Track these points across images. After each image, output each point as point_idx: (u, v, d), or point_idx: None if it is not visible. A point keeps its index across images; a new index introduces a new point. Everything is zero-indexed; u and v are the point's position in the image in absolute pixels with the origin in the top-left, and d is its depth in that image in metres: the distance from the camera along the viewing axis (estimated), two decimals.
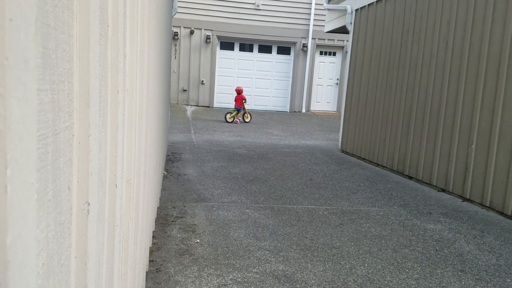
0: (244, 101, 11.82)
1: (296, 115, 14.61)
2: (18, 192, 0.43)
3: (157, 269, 2.76)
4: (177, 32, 14.03)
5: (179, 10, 12.96)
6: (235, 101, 11.98)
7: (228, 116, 11.76)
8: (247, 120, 11.98)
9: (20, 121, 0.42)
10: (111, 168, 1.01)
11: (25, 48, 0.43)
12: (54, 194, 0.57)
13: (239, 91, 11.96)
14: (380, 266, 3.01)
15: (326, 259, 3.07)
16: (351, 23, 8.05)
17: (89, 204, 0.74)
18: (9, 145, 0.40)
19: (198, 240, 3.28)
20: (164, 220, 3.70)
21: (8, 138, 0.39)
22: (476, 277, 2.92)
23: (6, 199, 0.40)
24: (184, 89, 14.52)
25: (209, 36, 14.26)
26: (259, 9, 14.48)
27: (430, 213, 4.38)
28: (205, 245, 3.19)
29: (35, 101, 0.47)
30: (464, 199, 4.95)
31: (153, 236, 3.27)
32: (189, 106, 14.40)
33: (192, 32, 14.21)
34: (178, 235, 3.35)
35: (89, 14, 0.69)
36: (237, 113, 11.81)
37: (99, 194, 0.87)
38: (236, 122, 11.72)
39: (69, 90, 0.62)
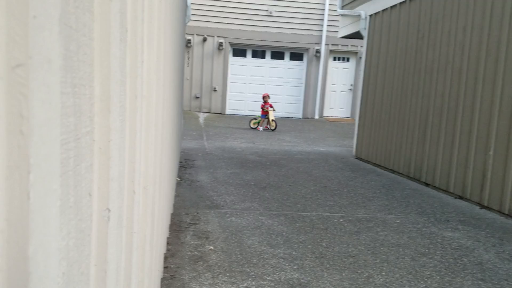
0: (269, 108, 11.66)
1: (309, 121, 14.55)
2: (41, 199, 0.41)
3: (171, 275, 2.74)
4: (190, 40, 14.12)
5: (192, 17, 13.04)
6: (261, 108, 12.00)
7: (252, 122, 11.86)
8: (272, 128, 11.70)
9: (43, 124, 0.40)
10: (129, 175, 1.00)
11: (49, 48, 0.41)
12: (76, 200, 0.56)
13: (263, 98, 11.95)
14: (398, 275, 2.95)
15: (343, 268, 3.01)
16: (365, 29, 8.00)
17: (109, 210, 0.73)
18: (32, 149, 0.38)
19: (211, 247, 3.25)
20: (177, 226, 3.69)
21: (32, 142, 0.38)
22: (497, 286, 2.84)
23: (29, 205, 0.38)
24: (197, 96, 14.58)
25: (222, 43, 14.32)
26: (272, 16, 14.50)
27: (448, 220, 4.29)
28: (219, 252, 3.16)
29: (58, 104, 0.46)
30: (482, 206, 4.85)
31: (167, 243, 3.26)
32: (202, 113, 14.45)
33: (205, 40, 14.29)
34: (192, 242, 3.33)
35: (110, 17, 0.67)
36: (262, 121, 11.80)
37: (118, 200, 0.85)
38: (258, 129, 11.69)
39: (90, 94, 0.61)
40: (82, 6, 0.56)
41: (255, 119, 12.03)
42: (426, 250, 3.43)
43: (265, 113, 11.76)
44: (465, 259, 3.29)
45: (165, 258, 2.99)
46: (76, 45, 0.53)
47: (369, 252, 3.33)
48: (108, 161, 0.70)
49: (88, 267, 0.64)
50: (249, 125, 11.97)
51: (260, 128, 11.77)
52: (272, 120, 11.66)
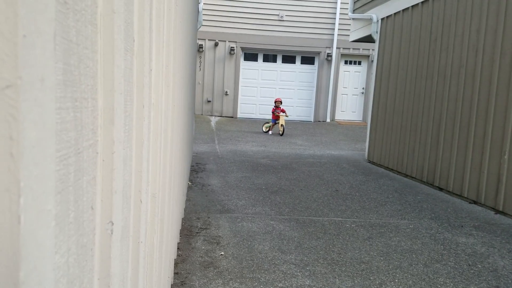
0: (280, 113, 11.57)
1: (320, 124, 14.49)
2: (33, 222, 0.40)
3: (182, 282, 2.74)
4: (202, 45, 14.21)
5: (204, 23, 13.12)
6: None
7: (264, 126, 11.90)
8: (280, 133, 11.57)
9: (35, 145, 0.40)
10: (136, 184, 0.99)
11: (42, 66, 0.40)
12: (76, 215, 0.55)
13: (275, 103, 11.92)
14: (411, 282, 2.90)
15: (355, 274, 2.97)
16: (377, 32, 7.95)
17: (112, 223, 0.72)
18: (23, 172, 0.37)
19: (222, 253, 3.24)
20: (188, 231, 3.68)
21: (22, 164, 0.37)
22: None
23: (19, 230, 0.37)
24: (208, 100, 14.64)
25: (233, 47, 14.38)
26: (283, 20, 14.51)
27: (462, 226, 4.21)
28: (230, 258, 3.15)
29: (53, 121, 0.45)
30: (497, 211, 4.75)
31: (178, 248, 3.26)
32: (213, 117, 14.50)
33: (216, 44, 14.36)
34: (203, 247, 3.33)
35: (113, 28, 0.67)
36: (272, 125, 11.77)
37: (124, 211, 0.85)
38: (268, 133, 11.67)
39: (93, 107, 0.60)
40: (83, 19, 0.55)
41: (267, 122, 12.04)
42: (440, 256, 3.37)
43: (275, 118, 11.73)
44: (479, 266, 3.22)
45: (176, 264, 2.98)
46: (77, 58, 0.53)
47: (381, 258, 3.28)
48: (111, 173, 0.70)
49: (91, 281, 0.63)
50: (262, 129, 11.98)
51: (270, 132, 11.76)
52: (281, 125, 11.56)
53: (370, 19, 8.06)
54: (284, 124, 11.61)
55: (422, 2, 6.46)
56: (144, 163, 1.08)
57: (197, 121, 12.69)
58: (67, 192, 0.51)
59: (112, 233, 0.72)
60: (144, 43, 1.02)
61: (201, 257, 3.14)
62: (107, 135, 0.68)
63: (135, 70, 0.95)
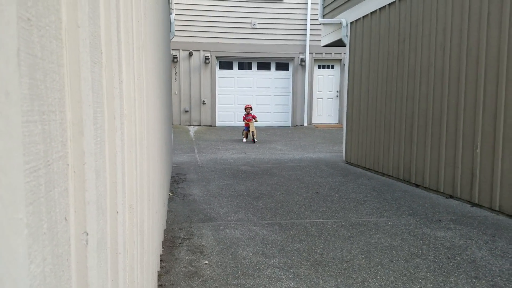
0: (250, 119, 11.43)
1: (298, 129, 14.61)
2: (5, 228, 0.41)
3: None
4: (176, 55, 14.19)
5: (177, 33, 13.11)
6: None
7: (243, 133, 11.79)
8: (251, 139, 11.53)
9: (3, 156, 0.41)
10: (112, 195, 1.00)
11: (6, 80, 0.42)
12: (50, 226, 0.56)
13: (245, 109, 11.86)
14: (392, 277, 2.95)
15: (338, 274, 3.01)
16: (347, 36, 8.10)
17: (87, 234, 0.73)
18: None
19: (206, 261, 3.24)
20: (171, 242, 3.66)
21: None
22: (491, 283, 2.86)
23: None
24: (186, 110, 14.60)
25: (208, 56, 14.41)
26: (256, 28, 14.65)
27: (440, 220, 4.32)
28: (214, 266, 3.15)
29: (20, 134, 0.46)
30: (473, 204, 4.89)
31: (161, 260, 3.24)
32: (192, 126, 14.45)
33: (191, 54, 14.36)
34: (186, 257, 3.31)
35: (79, 42, 0.69)
36: (245, 133, 11.66)
37: (100, 222, 0.85)
38: (243, 141, 11.57)
39: (61, 119, 0.62)
40: (48, 35, 0.57)
41: (244, 130, 12.00)
42: (419, 251, 3.44)
43: (247, 125, 11.57)
44: (458, 258, 3.31)
45: (159, 276, 2.96)
46: (42, 73, 0.54)
47: (363, 256, 3.34)
48: (83, 184, 0.71)
49: None
50: (242, 137, 11.88)
51: (244, 140, 11.61)
52: (252, 132, 11.30)
53: (340, 24, 8.22)
54: (254, 131, 11.37)
55: (389, 4, 6.63)
56: (119, 174, 1.09)
57: (176, 131, 12.62)
58: (39, 203, 0.52)
59: (87, 244, 0.73)
60: (112, 55, 1.03)
61: (185, 267, 3.13)
62: (77, 146, 0.69)
63: (105, 81, 0.96)
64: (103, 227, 0.89)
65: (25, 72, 0.48)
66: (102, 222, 0.88)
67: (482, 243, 3.64)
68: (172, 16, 9.18)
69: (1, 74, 0.40)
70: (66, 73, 0.65)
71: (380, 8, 6.90)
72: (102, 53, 0.94)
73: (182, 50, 14.31)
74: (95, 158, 0.80)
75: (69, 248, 0.65)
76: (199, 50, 14.44)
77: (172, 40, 10.01)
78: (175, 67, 14.31)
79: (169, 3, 7.77)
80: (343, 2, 8.23)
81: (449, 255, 3.36)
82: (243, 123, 14.11)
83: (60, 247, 0.61)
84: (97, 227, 0.82)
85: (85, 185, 0.72)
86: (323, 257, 3.31)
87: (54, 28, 0.60)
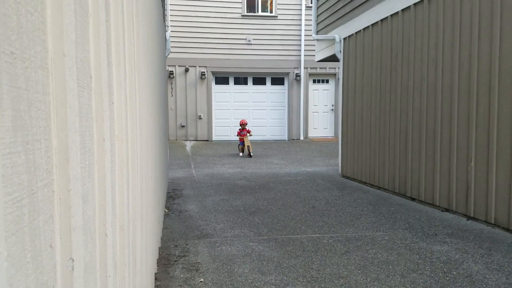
0: (246, 134, 11.54)
1: (294, 142, 14.64)
2: None
3: None
4: (172, 71, 14.29)
5: (172, 50, 13.22)
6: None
7: (239, 147, 11.82)
8: (246, 154, 11.58)
9: None
10: (100, 218, 1.00)
11: None
12: (34, 255, 0.56)
13: (240, 125, 11.88)
14: None
15: None
16: (340, 52, 8.19)
17: (73, 260, 0.73)
18: None
19: (202, 279, 3.21)
20: (166, 260, 3.64)
21: None
22: None
23: None
24: (182, 125, 14.63)
25: (204, 72, 14.51)
26: (251, 44, 14.80)
27: (436, 234, 4.31)
28: (210, 284, 3.12)
29: (1, 166, 0.47)
30: (469, 217, 4.89)
31: (155, 278, 3.21)
32: (188, 141, 14.46)
33: (187, 70, 14.46)
34: (182, 275, 3.29)
35: (64, 70, 0.70)
36: (241, 147, 11.69)
37: (88, 246, 0.86)
38: (239, 156, 11.59)
39: (46, 147, 0.63)
40: (33, 66, 0.58)
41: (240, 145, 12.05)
42: (416, 266, 3.43)
43: (241, 140, 11.63)
44: (454, 272, 3.30)
45: None
46: (27, 104, 0.55)
47: (359, 272, 3.32)
48: (69, 210, 0.71)
49: None
50: (238, 151, 11.95)
51: (241, 154, 11.69)
52: (247, 146, 11.36)
53: (333, 39, 8.32)
54: (250, 145, 11.42)
55: (381, 20, 6.72)
56: (108, 196, 1.09)
57: (172, 146, 12.62)
58: (22, 233, 0.52)
59: (73, 270, 0.73)
60: (102, 78, 1.04)
61: (180, 286, 3.11)
62: (63, 173, 0.70)
63: (94, 105, 0.97)
64: (92, 251, 0.89)
65: (7, 105, 0.49)
66: (90, 246, 0.88)
67: (478, 257, 3.64)
68: (168, 33, 9.27)
69: None
70: (52, 101, 0.66)
71: (372, 24, 6.99)
72: (91, 77, 0.95)
73: (178, 66, 14.41)
74: (82, 183, 0.81)
75: (55, 275, 0.65)
76: (195, 66, 14.55)
77: (168, 56, 10.08)
78: (171, 83, 14.38)
79: (164, 20, 7.85)
80: (336, 18, 8.34)
81: (445, 270, 3.35)
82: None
83: (45, 274, 0.61)
84: (85, 251, 0.82)
85: (71, 212, 0.72)
86: (319, 273, 3.30)
87: (40, 58, 0.61)
